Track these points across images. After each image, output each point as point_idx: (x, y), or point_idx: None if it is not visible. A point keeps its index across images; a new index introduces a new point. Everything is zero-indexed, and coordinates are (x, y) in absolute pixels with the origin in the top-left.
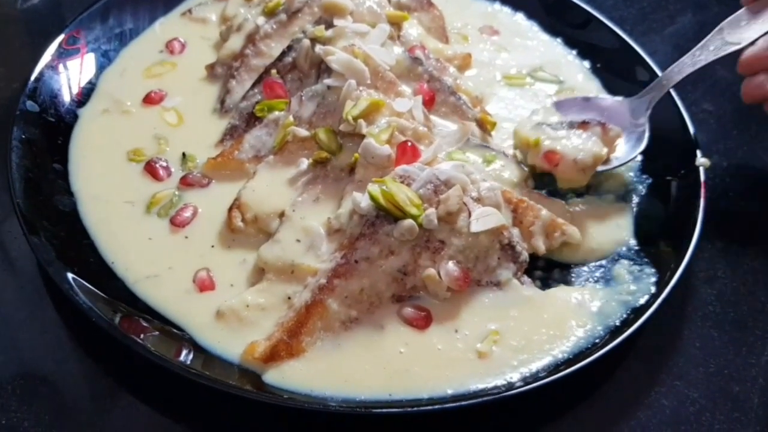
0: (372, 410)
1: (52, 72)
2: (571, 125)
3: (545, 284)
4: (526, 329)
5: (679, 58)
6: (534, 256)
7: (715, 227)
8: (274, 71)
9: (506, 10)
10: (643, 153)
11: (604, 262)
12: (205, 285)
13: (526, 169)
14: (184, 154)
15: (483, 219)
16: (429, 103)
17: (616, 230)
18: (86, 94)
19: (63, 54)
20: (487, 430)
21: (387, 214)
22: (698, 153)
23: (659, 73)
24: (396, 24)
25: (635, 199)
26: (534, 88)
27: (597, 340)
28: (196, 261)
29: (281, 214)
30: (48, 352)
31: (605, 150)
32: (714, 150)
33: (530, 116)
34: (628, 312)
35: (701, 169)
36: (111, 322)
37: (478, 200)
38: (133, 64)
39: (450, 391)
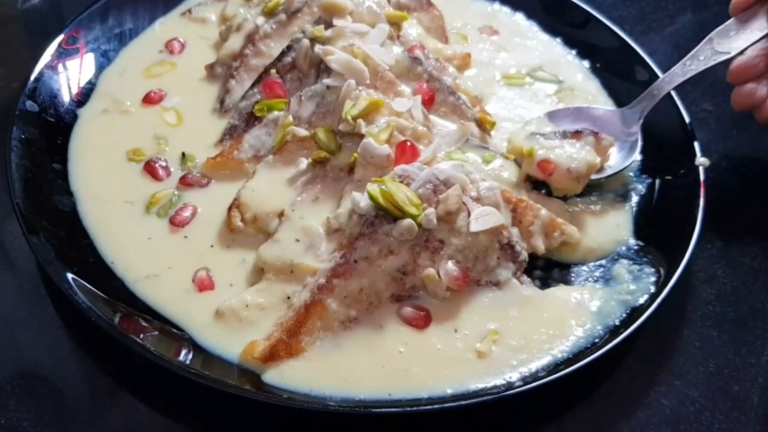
0: (371, 410)
1: (51, 72)
2: (565, 135)
3: (545, 284)
4: (526, 329)
5: (678, 57)
6: (533, 256)
7: (714, 227)
8: (273, 71)
9: (506, 9)
10: (643, 152)
11: (603, 261)
12: (204, 285)
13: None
14: (183, 154)
15: (482, 219)
16: (428, 102)
17: (616, 230)
18: (86, 94)
19: (63, 54)
20: (486, 430)
21: (386, 213)
22: (698, 152)
23: (659, 72)
24: (395, 24)
25: (635, 199)
26: (533, 87)
27: (596, 340)
28: (195, 261)
29: (280, 214)
30: (47, 352)
31: (598, 159)
32: (714, 150)
33: (523, 126)
34: (628, 311)
35: (701, 169)
36: (110, 322)
37: (478, 200)
38: (133, 64)
39: (449, 391)
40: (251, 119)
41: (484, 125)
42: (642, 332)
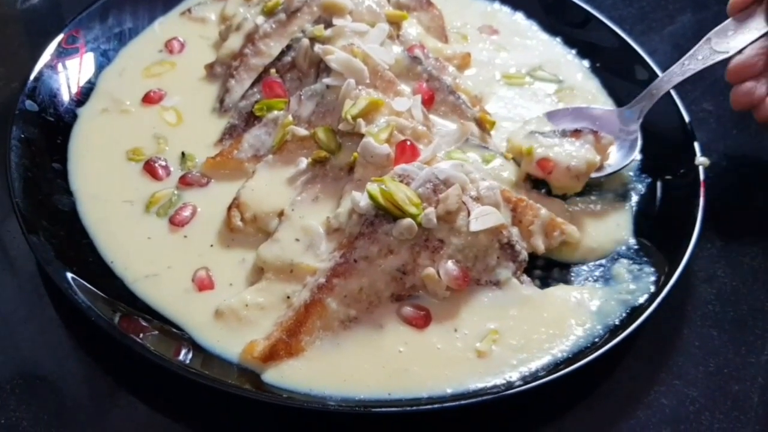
0: (371, 409)
1: (51, 71)
2: (564, 133)
3: (544, 283)
4: (526, 328)
5: (678, 57)
6: (533, 256)
7: (714, 226)
8: (273, 70)
9: (505, 9)
10: (642, 152)
11: (603, 261)
12: (204, 284)
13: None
14: (183, 154)
15: (482, 218)
16: (428, 102)
17: (616, 229)
18: (85, 94)
19: (62, 53)
20: (486, 430)
21: (386, 213)
22: (698, 152)
23: (658, 72)
24: (395, 23)
25: (634, 198)
26: (533, 87)
27: (596, 339)
28: (195, 260)
29: (280, 214)
30: (47, 352)
31: (598, 157)
32: (713, 149)
33: (523, 126)
34: (628, 311)
35: (701, 169)
36: (110, 322)
37: (478, 199)
38: (133, 64)
39: (449, 391)
40: (251, 119)
41: (484, 125)
42: (642, 332)
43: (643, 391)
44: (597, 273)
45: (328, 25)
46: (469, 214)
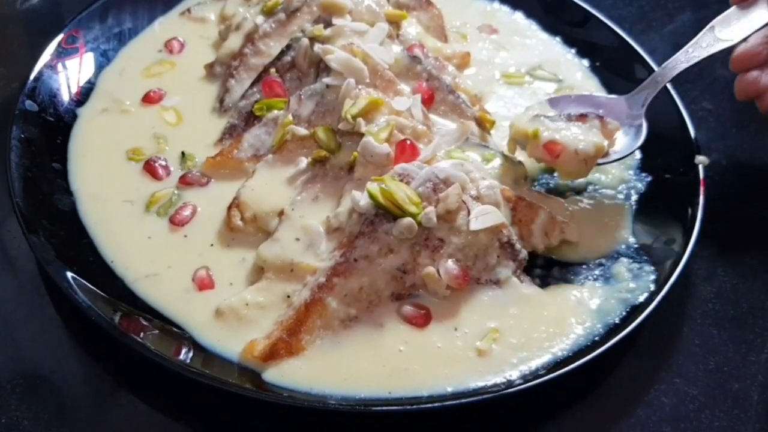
0: (371, 408)
1: (51, 71)
2: (570, 118)
3: (544, 282)
4: (526, 327)
5: None
6: (533, 254)
7: (714, 225)
8: (273, 70)
9: (505, 8)
10: (642, 150)
11: (603, 260)
12: (204, 284)
13: (523, 165)
14: (183, 153)
15: (482, 217)
16: (428, 101)
17: (615, 228)
18: (85, 94)
19: (62, 53)
20: (486, 428)
21: (386, 212)
22: (697, 151)
23: None
24: (395, 23)
25: (634, 197)
26: (533, 86)
27: (596, 338)
28: (195, 260)
29: (280, 213)
30: (47, 351)
31: (606, 141)
32: (713, 148)
33: (525, 111)
34: (628, 310)
35: (700, 167)
36: (110, 321)
37: (478, 198)
38: (132, 64)
39: (449, 389)
40: (251, 118)
41: (484, 124)
42: (642, 330)
43: (643, 389)
44: (597, 272)
45: (328, 24)
46: (469, 213)
